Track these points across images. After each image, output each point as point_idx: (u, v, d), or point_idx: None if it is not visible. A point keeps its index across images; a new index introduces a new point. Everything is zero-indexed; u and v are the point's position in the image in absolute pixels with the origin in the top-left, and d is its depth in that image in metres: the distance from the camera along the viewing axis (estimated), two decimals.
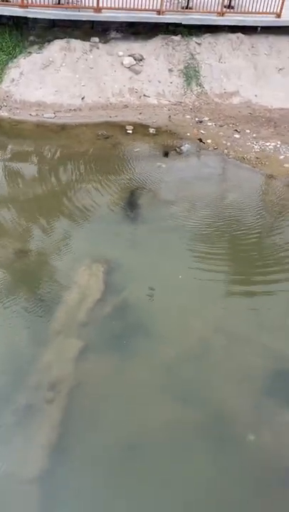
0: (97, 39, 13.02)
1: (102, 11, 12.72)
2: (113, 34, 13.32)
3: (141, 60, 12.89)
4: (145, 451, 5.44)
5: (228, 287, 7.69)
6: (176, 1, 13.40)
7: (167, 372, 6.23)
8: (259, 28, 13.58)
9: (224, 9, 13.24)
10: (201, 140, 10.40)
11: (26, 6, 12.33)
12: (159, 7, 12.85)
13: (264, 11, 13.39)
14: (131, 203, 9.25)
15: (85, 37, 13.04)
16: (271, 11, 13.40)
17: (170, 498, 5.08)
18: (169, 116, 12.28)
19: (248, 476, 5.30)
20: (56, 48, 12.64)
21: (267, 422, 5.81)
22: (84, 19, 12.83)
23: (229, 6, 13.54)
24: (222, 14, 13.23)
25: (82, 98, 12.35)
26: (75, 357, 6.28)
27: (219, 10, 13.18)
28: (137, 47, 13.04)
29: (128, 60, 12.80)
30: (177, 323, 6.88)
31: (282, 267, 8.11)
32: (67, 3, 12.91)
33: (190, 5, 13.35)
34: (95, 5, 12.56)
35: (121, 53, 12.92)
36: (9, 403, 5.72)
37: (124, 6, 12.76)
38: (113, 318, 6.88)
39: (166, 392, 6.01)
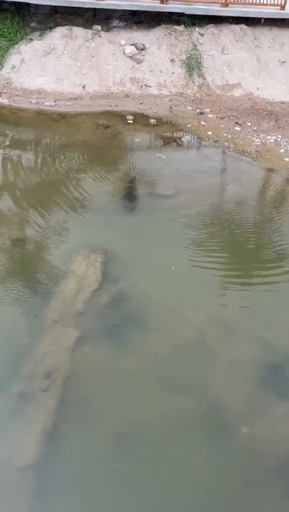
0: (99, 27, 12.91)
1: None
2: (115, 22, 13.21)
3: (143, 49, 12.78)
4: (139, 441, 5.48)
5: (225, 279, 7.69)
6: None
7: (162, 362, 6.26)
8: (263, 20, 13.47)
9: (228, 0, 13.11)
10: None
11: None
12: None
13: (268, 2, 13.27)
14: (130, 193, 9.23)
15: (87, 25, 12.93)
16: (275, 2, 13.28)
17: (163, 487, 5.13)
18: (170, 107, 12.21)
19: (241, 467, 5.35)
20: (58, 36, 12.53)
21: (260, 413, 5.85)
22: (86, 6, 12.69)
23: None
24: (226, 5, 13.11)
25: (83, 87, 12.26)
26: (71, 346, 6.30)
27: (223, 0, 13.06)
28: (140, 36, 12.92)
29: (130, 49, 12.69)
30: (173, 315, 6.89)
31: (278, 260, 8.12)
32: None
33: None
34: None
35: (123, 42, 12.82)
36: (4, 391, 5.74)
37: None
38: (110, 308, 6.89)
39: (161, 382, 6.04)
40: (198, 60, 12.97)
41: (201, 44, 13.09)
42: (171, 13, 13.18)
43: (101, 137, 10.95)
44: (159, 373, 6.14)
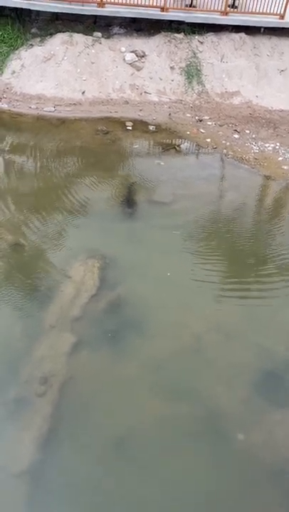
0: (99, 34, 12.98)
1: (106, 5, 12.67)
2: (116, 29, 13.29)
3: (143, 56, 12.86)
4: (136, 446, 5.46)
5: (222, 285, 7.70)
6: None
7: (159, 367, 6.24)
8: (262, 29, 13.57)
9: (228, 9, 13.22)
10: None
11: None
12: (162, 4, 12.82)
13: (268, 11, 13.39)
14: (128, 199, 9.24)
15: (88, 31, 13.01)
16: (275, 12, 13.40)
17: (159, 492, 5.10)
18: (169, 114, 12.27)
19: (237, 474, 5.33)
20: (58, 42, 12.60)
21: (257, 420, 5.84)
22: (87, 13, 12.78)
23: (233, 6, 13.52)
24: (226, 14, 13.22)
25: (83, 93, 12.31)
26: (68, 351, 6.29)
27: (223, 9, 13.17)
28: (140, 43, 13.01)
29: (130, 56, 12.77)
30: (171, 320, 6.88)
31: (274, 267, 8.13)
32: None
33: (194, 3, 13.32)
34: None
35: (123, 49, 12.89)
36: (0, 396, 5.72)
37: (128, 1, 12.71)
38: (107, 313, 6.88)
39: (157, 388, 6.02)
40: (198, 68, 13.05)
41: (200, 52, 13.18)
42: (171, 21, 13.28)
43: (100, 143, 10.98)
44: (156, 379, 6.12)
